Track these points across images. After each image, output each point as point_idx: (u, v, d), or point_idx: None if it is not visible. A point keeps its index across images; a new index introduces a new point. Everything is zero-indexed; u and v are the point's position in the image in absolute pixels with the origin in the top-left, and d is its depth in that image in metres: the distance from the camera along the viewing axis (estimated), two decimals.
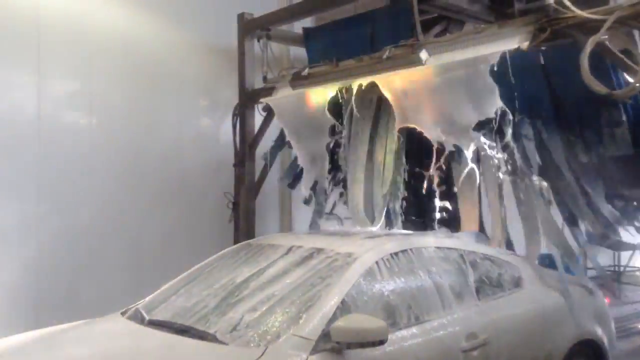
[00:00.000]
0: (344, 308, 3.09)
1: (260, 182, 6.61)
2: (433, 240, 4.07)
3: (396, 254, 3.60)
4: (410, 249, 3.71)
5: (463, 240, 4.34)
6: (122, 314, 3.67)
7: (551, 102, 4.89)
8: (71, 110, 6.08)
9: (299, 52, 7.20)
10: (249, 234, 6.25)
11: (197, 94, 6.96)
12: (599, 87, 3.73)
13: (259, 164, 6.57)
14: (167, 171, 6.63)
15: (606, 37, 3.69)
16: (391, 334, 3.09)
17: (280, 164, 7.20)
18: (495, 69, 4.22)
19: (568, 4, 3.87)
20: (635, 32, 3.87)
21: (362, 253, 3.49)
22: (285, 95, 5.64)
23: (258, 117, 6.45)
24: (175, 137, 6.75)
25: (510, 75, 4.36)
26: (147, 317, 3.47)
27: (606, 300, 4.75)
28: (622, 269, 12.71)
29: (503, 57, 4.20)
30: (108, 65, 6.23)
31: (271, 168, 6.42)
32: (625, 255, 12.81)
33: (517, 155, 4.57)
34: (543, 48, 4.31)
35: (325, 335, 2.91)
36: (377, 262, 3.44)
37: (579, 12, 3.83)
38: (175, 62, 6.73)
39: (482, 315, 3.71)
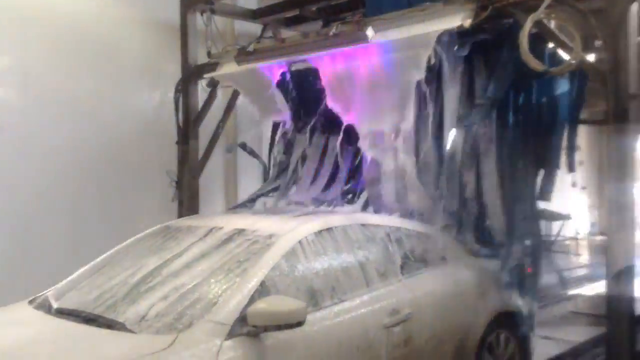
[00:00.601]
0: (263, 291, 3.02)
1: (205, 160, 6.54)
2: (358, 217, 4.05)
3: (320, 232, 3.56)
4: (335, 227, 3.67)
5: (389, 217, 4.32)
6: (30, 302, 3.49)
7: None
8: (4, 87, 5.78)
9: (244, 27, 7.11)
10: (193, 213, 6.19)
11: (138, 69, 6.76)
12: (536, 65, 3.87)
13: (203, 141, 6.49)
14: (106, 150, 6.44)
15: (544, 15, 3.83)
16: (312, 314, 3.08)
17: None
18: None
19: None
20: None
21: (284, 233, 3.42)
22: (230, 71, 5.58)
23: (204, 94, 6.36)
24: (116, 114, 6.55)
25: None
26: (54, 306, 3.31)
27: (528, 271, 4.82)
28: (553, 238, 13.37)
29: None
30: (44, 40, 5.95)
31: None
32: (556, 225, 13.48)
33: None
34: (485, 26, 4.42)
35: (241, 320, 2.85)
36: (300, 242, 3.39)
37: None
38: (115, 37, 6.50)
39: (405, 291, 3.73)
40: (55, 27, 6.01)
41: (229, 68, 5.62)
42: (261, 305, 2.85)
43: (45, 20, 5.94)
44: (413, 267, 3.96)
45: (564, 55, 4.21)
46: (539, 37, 4.07)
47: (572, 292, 8.73)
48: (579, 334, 6.42)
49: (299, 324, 2.86)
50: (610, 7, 3.79)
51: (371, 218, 4.13)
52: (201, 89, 6.35)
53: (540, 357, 5.33)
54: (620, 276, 3.75)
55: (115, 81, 6.53)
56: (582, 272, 10.55)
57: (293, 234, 3.44)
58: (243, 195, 7.50)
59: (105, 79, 6.44)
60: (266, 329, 2.84)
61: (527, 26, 3.76)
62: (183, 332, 2.79)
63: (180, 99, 6.36)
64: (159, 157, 6.73)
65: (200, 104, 6.39)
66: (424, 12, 4.43)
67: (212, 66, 5.91)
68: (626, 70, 3.77)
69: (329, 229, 3.63)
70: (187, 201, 6.34)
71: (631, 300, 3.75)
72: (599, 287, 8.56)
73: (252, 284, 3.03)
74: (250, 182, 7.68)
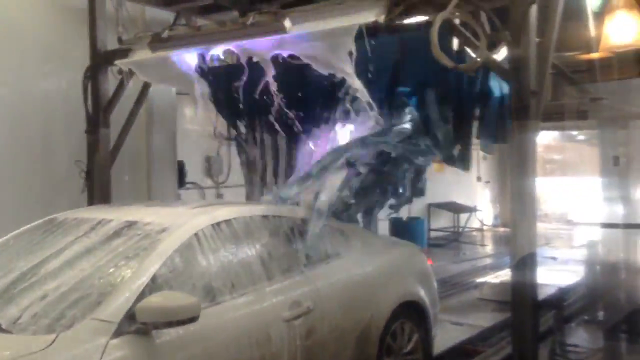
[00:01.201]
0: (155, 287, 2.90)
1: (116, 150, 6.32)
2: (260, 208, 3.97)
3: (218, 224, 3.44)
4: (234, 219, 3.57)
5: (292, 208, 4.24)
6: None
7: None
8: None
9: (156, 13, 6.91)
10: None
11: (43, 53, 6.36)
12: (446, 61, 4.01)
13: (115, 131, 6.26)
14: (9, 140, 6.03)
15: (454, 14, 3.98)
16: (208, 309, 3.02)
17: None
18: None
19: None
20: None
21: (178, 226, 3.28)
22: (143, 58, 5.41)
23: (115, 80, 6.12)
24: (18, 100, 6.15)
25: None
26: None
27: (429, 262, 4.99)
28: (460, 229, 14.01)
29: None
30: None
31: None
32: (463, 217, 14.13)
33: None
34: (397, 22, 4.53)
35: (130, 317, 2.72)
36: (196, 235, 3.28)
37: None
38: (18, 17, 6.10)
39: (307, 283, 3.70)
40: None
41: (141, 55, 5.45)
42: (150, 301, 2.74)
43: None
44: (316, 258, 3.92)
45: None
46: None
47: (479, 280, 9.17)
48: (485, 320, 6.76)
49: (192, 319, 2.77)
50: (513, 8, 3.99)
51: (273, 209, 4.05)
52: (112, 76, 6.11)
53: (450, 341, 5.60)
54: (523, 264, 3.92)
55: (17, 65, 6.14)
56: (487, 261, 11.11)
57: (188, 226, 3.31)
58: (156, 186, 7.32)
59: (5, 62, 6.04)
60: (157, 326, 2.73)
61: (437, 24, 3.89)
62: (65, 331, 2.64)
63: (90, 86, 6.10)
64: (68, 146, 6.41)
65: (112, 90, 6.16)
66: (340, 5, 4.50)
67: (123, 52, 5.71)
68: (528, 68, 3.98)
69: (227, 221, 3.52)
70: (98, 193, 6.10)
71: (534, 286, 3.94)
72: (503, 275, 9.07)
73: (142, 279, 2.89)
74: (163, 173, 7.51)
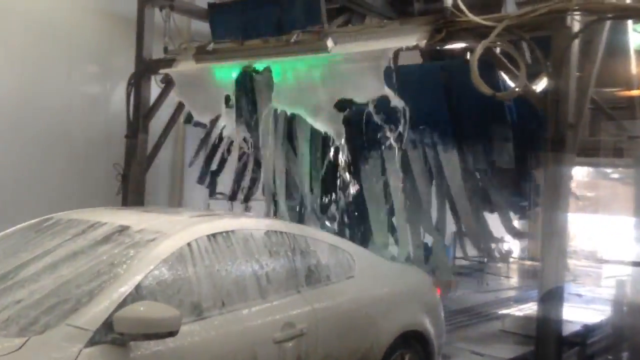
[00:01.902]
0: (138, 297, 2.73)
1: (153, 156, 6.47)
2: (262, 223, 3.79)
3: (214, 235, 3.26)
4: (232, 231, 3.38)
5: (298, 226, 4.07)
6: None
7: (450, 118, 5.12)
8: None
9: (200, 26, 7.10)
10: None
11: (89, 59, 6.61)
12: (485, 89, 4.03)
13: (153, 137, 6.42)
14: (52, 139, 6.25)
15: (495, 42, 4.03)
16: (192, 324, 2.85)
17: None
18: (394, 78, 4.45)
19: (463, 8, 4.16)
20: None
21: (171, 234, 3.11)
22: (187, 68, 5.56)
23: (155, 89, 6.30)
24: (63, 103, 6.37)
25: (411, 88, 4.61)
26: None
27: (437, 292, 4.74)
28: (486, 260, 13.81)
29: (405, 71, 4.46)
30: None
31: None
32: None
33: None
34: (441, 47, 4.60)
35: (108, 326, 2.56)
36: (189, 245, 3.10)
37: (472, 17, 4.13)
38: (68, 25, 6.34)
39: (304, 304, 3.48)
40: (5, 11, 5.82)
41: (185, 65, 5.60)
42: (130, 311, 2.59)
43: None
44: (316, 279, 3.71)
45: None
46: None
47: (502, 311, 9.03)
48: (507, 351, 6.64)
49: (171, 334, 2.60)
50: (555, 41, 4.02)
51: (277, 225, 3.86)
52: (154, 84, 6.29)
53: None
54: (550, 298, 3.90)
55: (64, 69, 6.37)
56: (511, 293, 10.94)
57: (181, 235, 3.15)
58: (188, 194, 7.46)
59: (53, 66, 6.26)
60: (134, 337, 2.58)
61: (478, 51, 3.93)
62: (37, 335, 2.50)
63: (132, 92, 6.29)
64: (107, 149, 6.60)
65: (153, 98, 6.33)
66: (382, 28, 4.58)
67: (168, 62, 5.87)
68: (566, 101, 3.99)
69: (225, 233, 3.34)
70: (132, 195, 6.26)
71: (559, 321, 3.90)
72: (527, 309, 8.93)
73: (124, 288, 2.72)
74: (195, 181, 7.65)
